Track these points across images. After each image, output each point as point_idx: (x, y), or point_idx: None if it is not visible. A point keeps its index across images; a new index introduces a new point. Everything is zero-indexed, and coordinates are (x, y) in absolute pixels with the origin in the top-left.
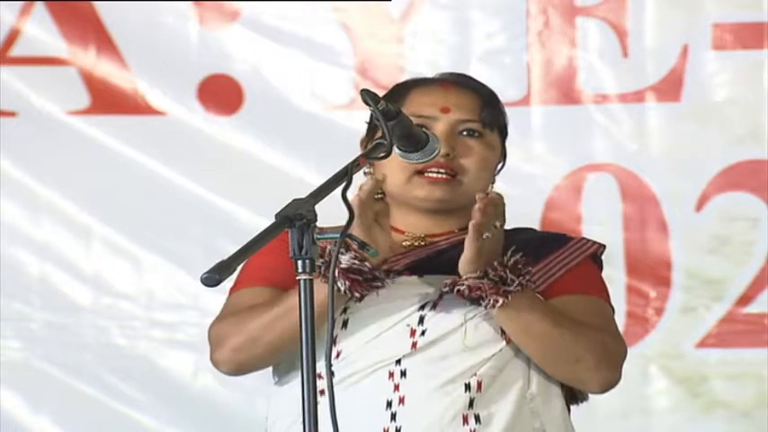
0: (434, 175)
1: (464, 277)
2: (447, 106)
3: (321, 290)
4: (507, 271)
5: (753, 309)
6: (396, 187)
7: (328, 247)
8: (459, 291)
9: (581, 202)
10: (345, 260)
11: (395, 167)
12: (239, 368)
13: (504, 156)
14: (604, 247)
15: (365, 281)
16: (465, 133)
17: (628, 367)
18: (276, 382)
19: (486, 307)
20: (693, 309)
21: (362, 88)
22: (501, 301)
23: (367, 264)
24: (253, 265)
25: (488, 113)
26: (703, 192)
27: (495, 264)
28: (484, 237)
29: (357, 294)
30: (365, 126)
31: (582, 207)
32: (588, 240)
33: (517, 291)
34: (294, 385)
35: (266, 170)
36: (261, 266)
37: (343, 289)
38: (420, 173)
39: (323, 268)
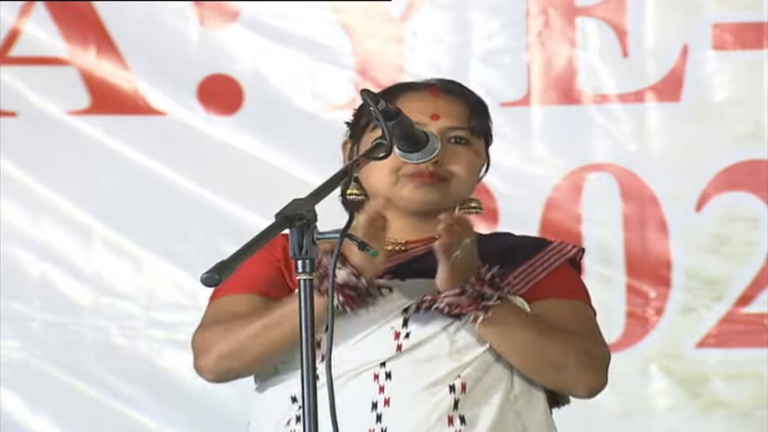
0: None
1: (442, 295)
2: (437, 113)
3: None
4: (485, 285)
5: (753, 309)
6: (383, 190)
7: (324, 259)
8: (437, 308)
9: (581, 202)
10: (342, 276)
11: (383, 170)
12: (223, 376)
13: (487, 163)
14: (583, 250)
15: (359, 297)
16: (453, 140)
17: (628, 367)
18: (257, 387)
19: (466, 323)
20: (693, 309)
21: (362, 88)
22: (482, 316)
23: (363, 280)
24: (235, 272)
25: (477, 121)
26: (703, 192)
27: (473, 279)
28: (454, 255)
29: (349, 310)
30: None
31: (582, 207)
32: (567, 244)
33: (496, 304)
34: (276, 390)
35: (266, 170)
36: (243, 274)
37: (336, 303)
38: (409, 176)
39: (317, 281)
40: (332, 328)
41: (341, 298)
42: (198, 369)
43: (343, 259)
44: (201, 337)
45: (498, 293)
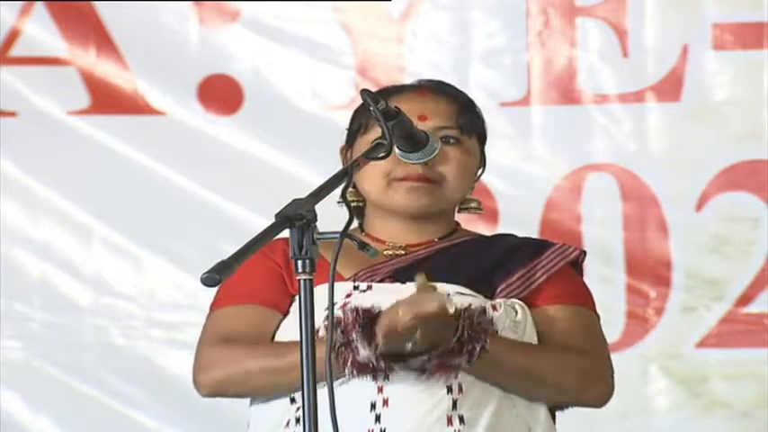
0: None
1: (411, 359)
2: (424, 114)
3: (322, 362)
4: (454, 354)
5: (753, 309)
6: (376, 195)
7: (353, 334)
8: (409, 369)
9: (581, 202)
10: (365, 356)
11: (374, 174)
12: (217, 395)
13: (483, 162)
14: (585, 253)
15: (374, 375)
16: (443, 140)
17: (628, 367)
18: None
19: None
20: (693, 309)
21: (362, 88)
22: (452, 377)
23: (382, 364)
24: (235, 280)
25: (466, 120)
26: (703, 192)
27: (438, 351)
28: (407, 349)
29: (357, 378)
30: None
31: (582, 207)
32: (569, 246)
33: (466, 366)
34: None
35: (266, 170)
36: (243, 282)
37: (348, 375)
38: (399, 179)
39: (338, 347)
40: (332, 329)
41: (354, 372)
42: (195, 383)
43: (370, 335)
44: (206, 354)
45: (467, 355)
